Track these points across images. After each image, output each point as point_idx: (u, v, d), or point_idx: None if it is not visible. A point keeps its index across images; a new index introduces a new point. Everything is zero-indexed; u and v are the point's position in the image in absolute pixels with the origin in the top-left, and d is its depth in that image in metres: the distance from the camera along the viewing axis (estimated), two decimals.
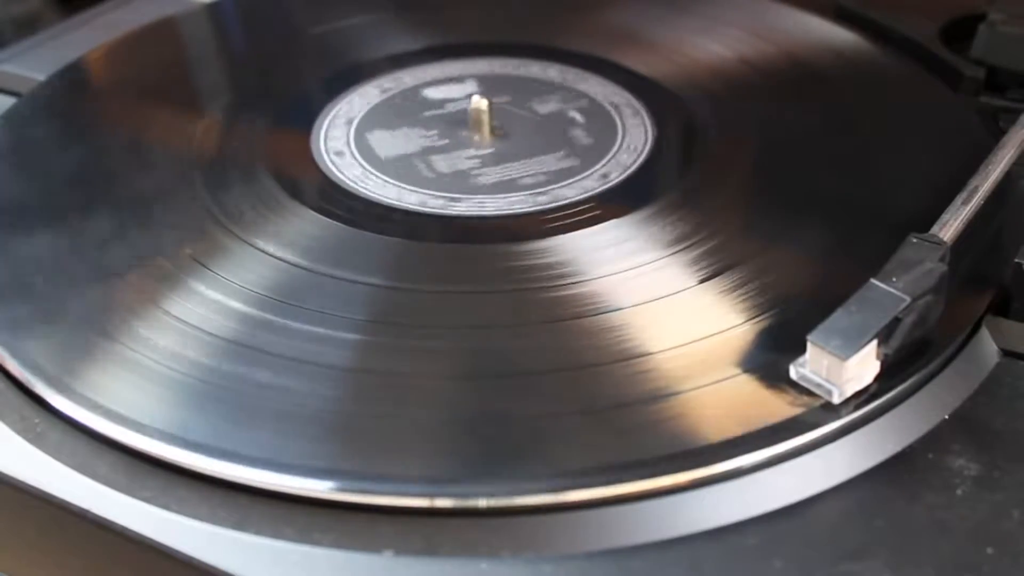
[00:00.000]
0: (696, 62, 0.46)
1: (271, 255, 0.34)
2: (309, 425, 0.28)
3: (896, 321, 0.28)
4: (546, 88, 0.45)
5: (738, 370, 0.29)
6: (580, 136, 0.41)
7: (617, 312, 0.32)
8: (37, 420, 0.29)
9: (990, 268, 0.32)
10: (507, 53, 0.48)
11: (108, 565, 0.28)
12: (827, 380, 0.28)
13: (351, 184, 0.38)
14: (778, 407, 0.28)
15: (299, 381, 0.29)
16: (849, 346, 0.27)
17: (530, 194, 0.38)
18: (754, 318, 0.31)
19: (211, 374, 0.30)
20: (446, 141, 0.41)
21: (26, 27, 0.62)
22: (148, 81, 0.47)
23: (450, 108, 0.44)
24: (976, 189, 0.33)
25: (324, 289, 0.33)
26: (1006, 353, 0.30)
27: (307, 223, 0.36)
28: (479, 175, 0.39)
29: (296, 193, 0.38)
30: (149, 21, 0.51)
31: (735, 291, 0.32)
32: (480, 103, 0.41)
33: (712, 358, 0.30)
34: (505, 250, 0.35)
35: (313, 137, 0.42)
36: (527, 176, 0.39)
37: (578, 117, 0.43)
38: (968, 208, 0.32)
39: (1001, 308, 0.32)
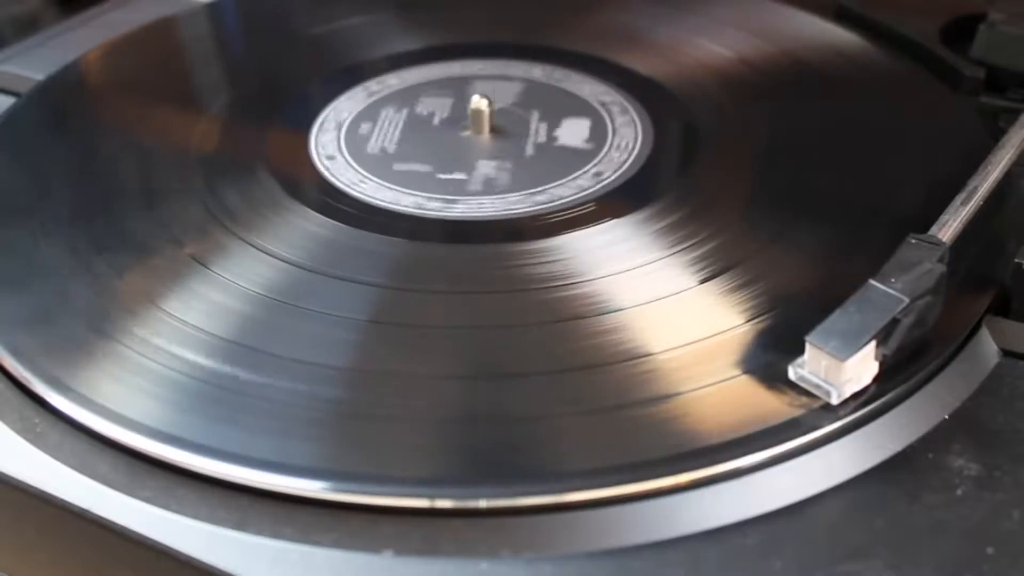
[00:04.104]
0: (696, 62, 0.46)
1: (271, 255, 0.34)
2: (309, 425, 0.28)
3: (895, 322, 0.28)
4: (545, 88, 0.45)
5: (738, 371, 0.29)
6: (578, 135, 0.41)
7: (617, 313, 0.32)
8: (37, 420, 0.29)
9: (990, 268, 0.32)
10: (505, 54, 0.48)
11: (108, 565, 0.28)
12: (825, 381, 0.28)
13: (349, 184, 0.38)
14: (777, 408, 0.28)
15: (299, 381, 0.29)
16: (847, 347, 0.27)
17: (528, 194, 0.38)
18: (754, 319, 0.31)
19: (211, 374, 0.30)
20: (445, 141, 0.41)
21: (26, 27, 0.62)
22: (148, 81, 0.47)
23: (447, 109, 0.44)
24: (975, 189, 0.33)
25: (324, 289, 0.33)
26: (1006, 353, 0.30)
27: (307, 223, 0.36)
28: (478, 174, 0.39)
29: (295, 193, 0.38)
30: (149, 21, 0.51)
31: (735, 291, 0.32)
32: (480, 103, 0.41)
33: (712, 359, 0.30)
34: (505, 250, 0.35)
35: (312, 136, 0.42)
36: (526, 176, 0.39)
37: (577, 116, 0.43)
38: (967, 208, 0.32)
39: (1001, 308, 0.32)
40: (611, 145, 0.41)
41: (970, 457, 0.27)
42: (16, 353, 0.30)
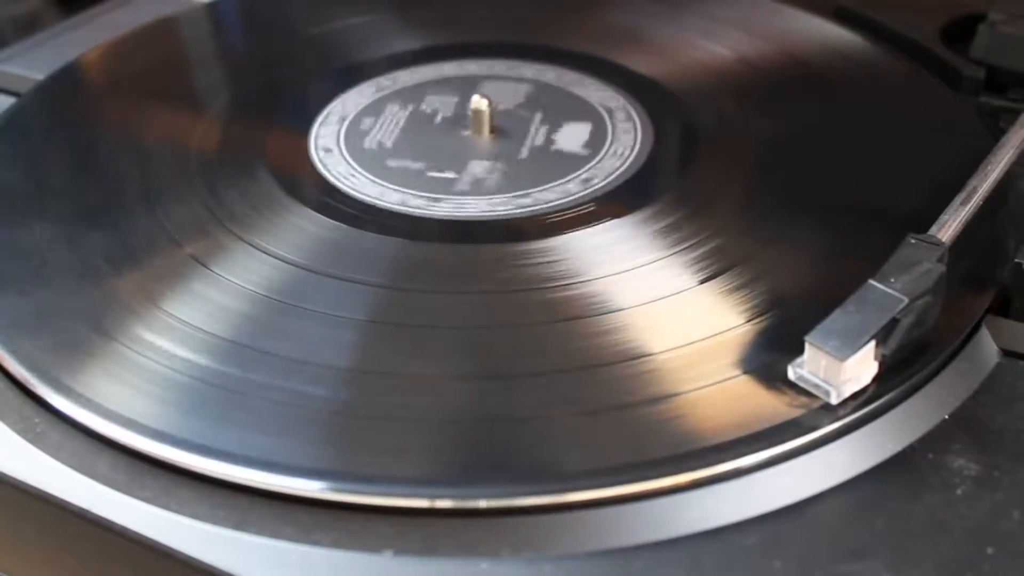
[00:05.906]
0: (696, 62, 0.46)
1: (271, 255, 0.34)
2: (309, 425, 0.28)
3: (894, 322, 0.28)
4: (545, 88, 0.45)
5: (737, 371, 0.29)
6: (578, 137, 0.41)
7: (617, 313, 0.32)
8: (37, 420, 0.29)
9: (990, 268, 0.32)
10: (505, 54, 0.48)
11: (108, 565, 0.28)
12: (825, 381, 0.28)
13: (348, 185, 0.38)
14: (777, 408, 0.28)
15: (299, 381, 0.29)
16: (847, 347, 0.27)
17: (512, 196, 0.38)
18: (753, 319, 0.31)
19: (211, 374, 0.30)
20: (445, 141, 0.41)
21: (26, 27, 0.62)
22: (148, 81, 0.47)
23: (449, 108, 0.44)
24: (975, 189, 0.33)
25: (324, 289, 0.33)
26: (1006, 353, 0.30)
27: (307, 223, 0.36)
28: (478, 175, 0.39)
29: (296, 193, 0.38)
30: (149, 21, 0.51)
31: (735, 292, 0.32)
32: (480, 103, 0.41)
33: (711, 359, 0.30)
34: (505, 250, 0.35)
35: (312, 137, 0.42)
36: (526, 176, 0.39)
37: (576, 118, 0.43)
38: (967, 208, 0.32)
39: (1001, 308, 0.32)
40: (607, 152, 0.40)
41: (970, 457, 0.27)
42: (16, 353, 0.30)
